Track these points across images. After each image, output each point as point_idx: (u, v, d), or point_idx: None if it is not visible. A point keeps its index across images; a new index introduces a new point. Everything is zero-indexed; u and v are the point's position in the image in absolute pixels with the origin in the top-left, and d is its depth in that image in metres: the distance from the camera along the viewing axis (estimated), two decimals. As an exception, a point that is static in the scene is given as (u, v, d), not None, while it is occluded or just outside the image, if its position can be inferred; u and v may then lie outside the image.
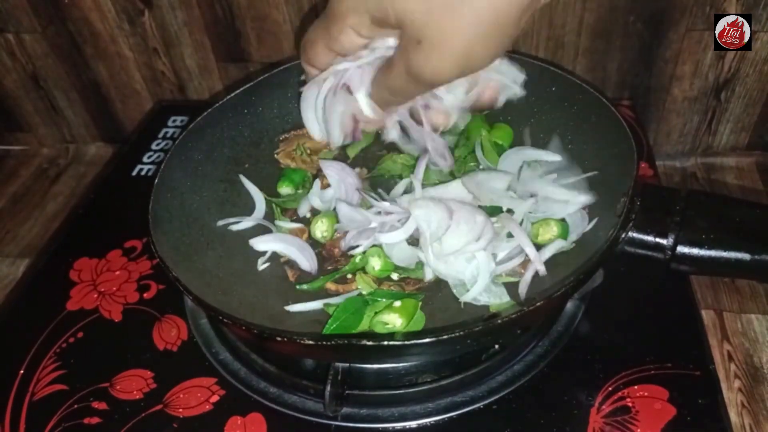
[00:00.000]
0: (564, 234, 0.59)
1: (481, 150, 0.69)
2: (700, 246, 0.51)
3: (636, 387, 0.56)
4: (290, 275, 0.62)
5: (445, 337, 0.46)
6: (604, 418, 0.54)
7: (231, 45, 0.96)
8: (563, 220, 0.60)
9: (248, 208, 0.69)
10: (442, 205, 0.58)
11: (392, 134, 0.57)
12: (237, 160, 0.71)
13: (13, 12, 0.96)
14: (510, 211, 0.62)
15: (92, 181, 1.06)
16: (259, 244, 0.64)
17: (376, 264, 0.59)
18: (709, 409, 0.54)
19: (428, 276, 0.59)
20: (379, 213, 0.62)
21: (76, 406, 0.59)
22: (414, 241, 0.60)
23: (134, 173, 0.88)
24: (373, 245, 0.61)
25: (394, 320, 0.54)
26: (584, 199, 0.60)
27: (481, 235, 0.57)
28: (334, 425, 0.56)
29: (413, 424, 0.56)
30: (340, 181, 0.67)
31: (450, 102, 0.54)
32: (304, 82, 0.56)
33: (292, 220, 0.68)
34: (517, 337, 0.59)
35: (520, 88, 0.54)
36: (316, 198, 0.67)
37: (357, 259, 0.60)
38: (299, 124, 0.75)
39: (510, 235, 0.59)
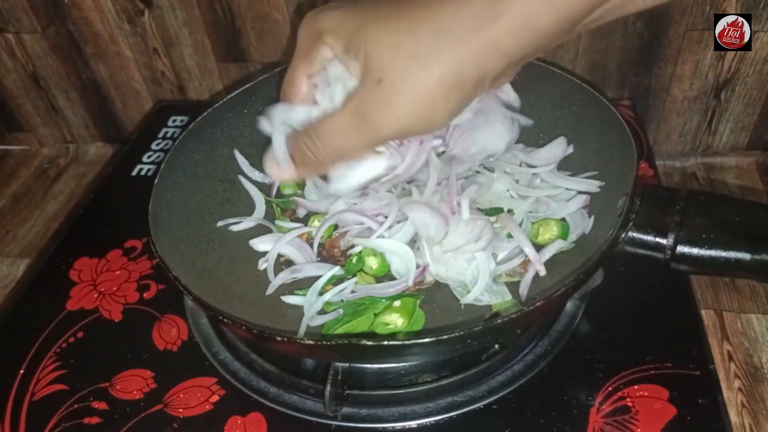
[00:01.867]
0: (564, 234, 0.59)
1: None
2: (700, 245, 0.51)
3: (636, 387, 0.56)
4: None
5: (445, 337, 0.46)
6: (604, 418, 0.54)
7: (231, 45, 0.96)
8: (563, 219, 0.60)
9: (248, 208, 0.69)
10: (438, 210, 0.59)
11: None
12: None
13: (13, 12, 0.96)
14: (510, 211, 0.62)
15: (92, 181, 1.06)
16: (259, 244, 0.64)
17: (372, 263, 0.59)
18: (709, 409, 0.54)
19: (428, 278, 0.59)
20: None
21: (76, 406, 0.59)
22: (411, 243, 0.60)
23: (134, 173, 0.88)
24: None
25: (395, 320, 0.54)
26: (590, 186, 0.61)
27: (480, 236, 0.57)
28: (334, 425, 0.56)
29: (413, 423, 0.56)
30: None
31: None
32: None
33: (292, 220, 0.68)
34: (517, 337, 0.59)
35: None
36: (312, 194, 0.67)
37: (354, 260, 0.60)
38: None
39: (510, 236, 0.59)
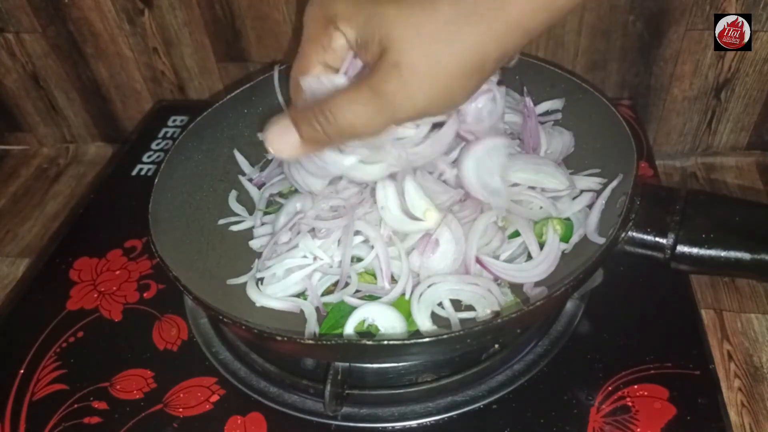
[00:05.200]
0: (568, 234, 0.59)
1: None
2: (700, 245, 0.51)
3: (636, 386, 0.56)
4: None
5: (445, 337, 0.46)
6: (604, 417, 0.54)
7: (231, 45, 0.96)
8: (567, 219, 0.60)
9: (248, 208, 0.69)
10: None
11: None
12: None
13: (13, 12, 0.95)
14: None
15: (92, 181, 1.06)
16: (259, 244, 0.64)
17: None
18: (709, 408, 0.54)
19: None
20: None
21: (76, 405, 0.59)
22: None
23: (134, 173, 0.88)
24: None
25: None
26: (592, 184, 0.61)
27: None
28: (334, 425, 0.56)
29: (413, 423, 0.56)
30: None
31: None
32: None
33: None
34: (517, 337, 0.59)
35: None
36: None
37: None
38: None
39: (513, 235, 0.59)
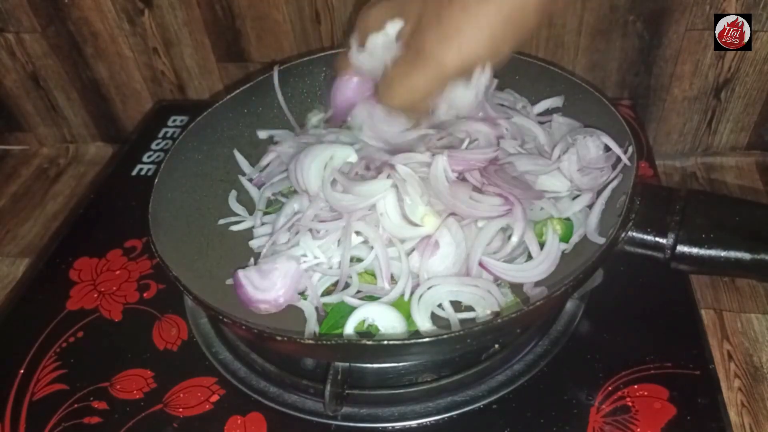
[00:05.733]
0: (568, 234, 0.59)
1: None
2: (700, 245, 0.51)
3: (636, 386, 0.56)
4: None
5: (445, 337, 0.46)
6: (604, 417, 0.54)
7: (231, 45, 0.96)
8: (567, 219, 0.60)
9: (248, 208, 0.69)
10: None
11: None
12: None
13: (13, 12, 0.96)
14: None
15: (92, 181, 1.06)
16: (259, 244, 0.64)
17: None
18: (709, 408, 0.54)
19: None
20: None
21: (76, 405, 0.59)
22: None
23: (134, 173, 0.88)
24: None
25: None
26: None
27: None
28: (334, 425, 0.56)
29: (413, 423, 0.56)
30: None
31: None
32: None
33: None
34: (517, 337, 0.59)
35: None
36: None
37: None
38: (299, 124, 0.76)
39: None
